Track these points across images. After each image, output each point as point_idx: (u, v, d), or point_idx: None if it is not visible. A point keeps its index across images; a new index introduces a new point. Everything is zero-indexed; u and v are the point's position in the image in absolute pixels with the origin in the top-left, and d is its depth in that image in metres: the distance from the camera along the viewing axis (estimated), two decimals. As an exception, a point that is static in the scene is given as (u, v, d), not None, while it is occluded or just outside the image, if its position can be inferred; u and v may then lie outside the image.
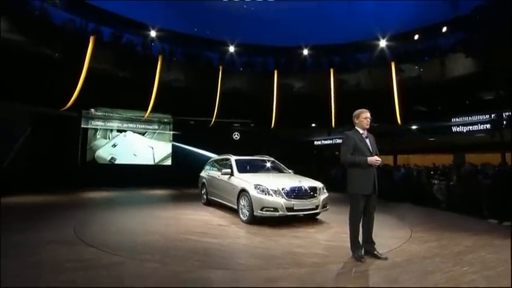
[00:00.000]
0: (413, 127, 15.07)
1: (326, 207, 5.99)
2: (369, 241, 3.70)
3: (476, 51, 9.03)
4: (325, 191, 6.11)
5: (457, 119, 12.95)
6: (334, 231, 5.22)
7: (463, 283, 2.96)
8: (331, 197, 6.32)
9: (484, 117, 11.21)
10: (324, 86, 14.59)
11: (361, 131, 3.73)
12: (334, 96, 14.51)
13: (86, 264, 3.37)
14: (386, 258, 3.59)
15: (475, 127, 12.01)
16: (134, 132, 14.74)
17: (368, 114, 3.72)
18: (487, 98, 12.03)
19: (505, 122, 8.22)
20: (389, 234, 4.92)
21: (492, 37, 7.94)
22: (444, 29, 12.42)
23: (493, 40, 8.00)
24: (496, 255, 3.86)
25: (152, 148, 15.03)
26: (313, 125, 15.90)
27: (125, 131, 14.49)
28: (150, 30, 13.88)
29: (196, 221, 6.13)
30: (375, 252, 3.66)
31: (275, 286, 2.91)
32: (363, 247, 3.70)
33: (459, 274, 3.22)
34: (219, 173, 7.32)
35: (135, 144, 14.67)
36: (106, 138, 14.10)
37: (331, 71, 14.85)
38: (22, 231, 4.85)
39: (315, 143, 19.55)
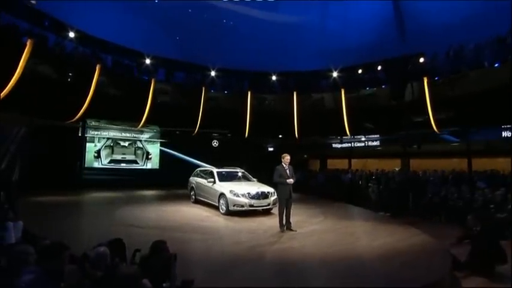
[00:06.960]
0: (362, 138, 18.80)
1: (275, 204, 9.25)
2: (288, 221, 7.12)
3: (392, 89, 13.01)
4: (275, 194, 9.34)
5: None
6: (276, 220, 8.52)
7: (326, 239, 6.44)
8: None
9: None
10: (288, 104, 18.00)
11: (284, 165, 7.13)
12: (297, 114, 17.92)
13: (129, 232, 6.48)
14: (296, 231, 7.00)
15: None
16: (125, 140, 17.57)
17: (288, 157, 7.14)
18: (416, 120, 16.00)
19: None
20: (308, 220, 8.37)
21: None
22: (379, 67, 16.32)
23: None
24: (353, 229, 7.42)
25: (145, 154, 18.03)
26: (280, 136, 19.34)
27: (121, 139, 17.34)
28: (144, 58, 16.60)
29: (191, 213, 9.35)
30: (291, 228, 7.09)
31: (238, 239, 6.19)
32: (285, 225, 7.06)
33: (328, 235, 6.72)
34: (205, 181, 10.43)
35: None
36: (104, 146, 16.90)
37: (295, 93, 18.28)
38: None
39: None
